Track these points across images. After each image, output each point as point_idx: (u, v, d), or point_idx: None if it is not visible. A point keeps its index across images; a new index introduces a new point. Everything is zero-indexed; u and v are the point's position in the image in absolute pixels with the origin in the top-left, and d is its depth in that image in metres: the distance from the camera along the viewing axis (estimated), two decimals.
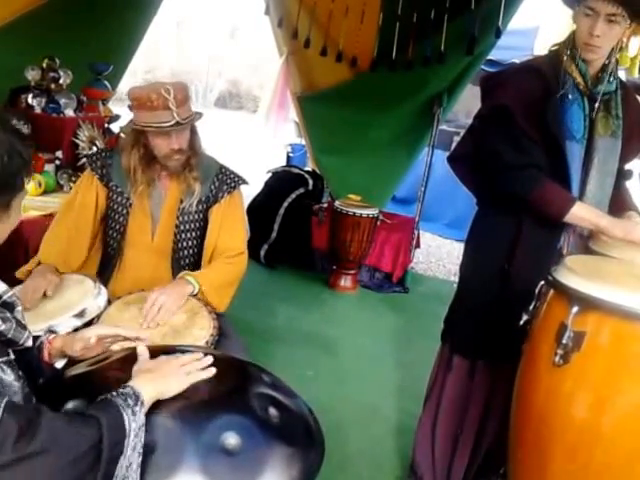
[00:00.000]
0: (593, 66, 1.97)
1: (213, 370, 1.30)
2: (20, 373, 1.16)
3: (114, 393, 1.12)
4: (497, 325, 2.06)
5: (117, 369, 1.40)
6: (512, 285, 2.06)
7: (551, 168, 1.96)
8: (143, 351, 1.35)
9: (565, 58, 1.97)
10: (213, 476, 1.13)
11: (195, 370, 1.29)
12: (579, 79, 1.96)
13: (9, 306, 1.17)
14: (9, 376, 1.10)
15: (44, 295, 2.02)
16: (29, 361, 1.36)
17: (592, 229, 1.97)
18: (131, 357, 1.44)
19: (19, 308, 1.20)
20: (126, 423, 1.08)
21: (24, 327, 1.18)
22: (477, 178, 2.22)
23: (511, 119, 1.96)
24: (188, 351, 1.47)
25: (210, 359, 1.34)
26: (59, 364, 1.47)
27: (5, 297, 1.18)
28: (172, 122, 2.12)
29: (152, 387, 1.19)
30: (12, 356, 1.17)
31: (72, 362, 1.49)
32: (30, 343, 1.19)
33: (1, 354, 1.12)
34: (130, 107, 2.22)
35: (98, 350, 1.52)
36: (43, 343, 1.44)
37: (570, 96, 1.94)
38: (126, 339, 1.57)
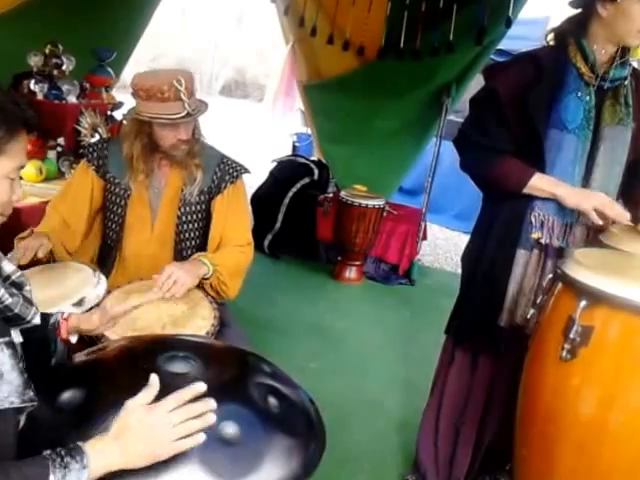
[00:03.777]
0: (606, 54, 1.95)
1: (212, 419, 1.11)
2: (21, 356, 1.14)
3: (57, 459, 1.00)
4: (498, 318, 2.07)
5: (116, 360, 1.42)
6: None
7: (530, 155, 1.99)
8: (153, 388, 1.12)
9: (571, 48, 1.97)
10: (211, 466, 1.11)
11: (188, 434, 1.10)
12: (584, 69, 1.95)
13: (18, 286, 1.17)
14: (8, 359, 1.08)
15: (38, 262, 2.02)
16: (42, 340, 1.39)
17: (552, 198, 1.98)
18: (131, 348, 1.46)
19: (27, 288, 1.20)
20: None
21: (31, 303, 1.17)
22: None
23: (496, 103, 2.00)
24: (188, 345, 1.45)
25: (204, 387, 1.13)
26: (73, 339, 1.50)
27: (14, 277, 1.18)
28: (183, 113, 2.08)
29: (115, 459, 1.05)
30: (15, 338, 1.15)
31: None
32: (38, 320, 1.18)
33: (2, 334, 1.09)
34: (133, 94, 2.17)
35: (115, 323, 1.60)
36: (59, 321, 1.46)
37: (569, 86, 1.95)
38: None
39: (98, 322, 1.53)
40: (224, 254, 2.24)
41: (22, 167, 1.19)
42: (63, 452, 1.02)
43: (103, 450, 1.05)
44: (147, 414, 1.09)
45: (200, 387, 1.12)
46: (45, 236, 2.10)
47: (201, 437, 1.08)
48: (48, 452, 1.02)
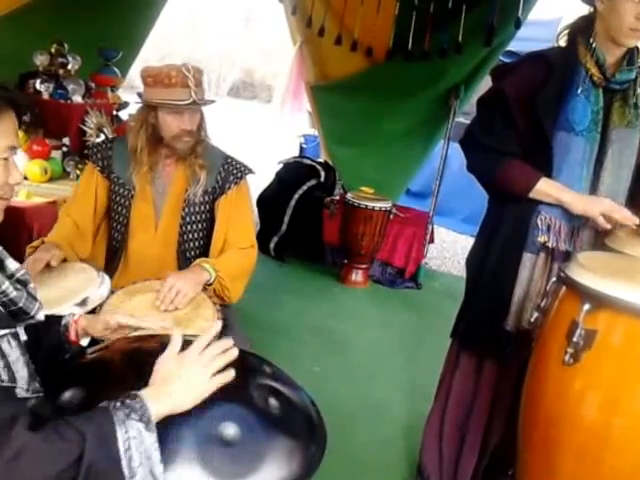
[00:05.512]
0: (614, 54, 1.93)
1: (235, 353, 1.22)
2: (25, 349, 1.16)
3: (118, 404, 1.04)
4: (504, 322, 2.05)
5: (117, 361, 1.40)
6: None
7: (537, 157, 1.97)
8: (177, 341, 1.20)
9: (580, 48, 1.95)
10: (211, 467, 1.11)
11: (219, 372, 1.19)
12: (593, 70, 1.93)
13: (22, 283, 1.20)
14: (15, 350, 1.10)
15: (48, 266, 2.00)
16: (54, 343, 1.42)
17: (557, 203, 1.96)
18: (132, 349, 1.44)
19: (31, 285, 1.23)
20: (119, 444, 0.99)
21: (35, 299, 1.20)
22: None
23: (503, 103, 1.98)
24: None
25: (231, 342, 1.25)
26: (84, 342, 1.51)
27: (18, 275, 1.21)
28: (189, 100, 2.10)
29: (165, 404, 1.10)
30: (21, 334, 1.16)
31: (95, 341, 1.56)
32: (41, 316, 1.20)
33: (8, 326, 1.11)
34: (139, 94, 2.19)
35: (118, 335, 1.55)
36: (69, 323, 1.47)
37: (578, 88, 1.92)
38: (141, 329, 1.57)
39: (101, 330, 1.53)
40: (226, 258, 2.23)
41: (14, 148, 1.18)
42: (115, 402, 1.05)
43: (156, 396, 1.09)
44: (182, 359, 1.16)
45: (214, 329, 1.23)
46: (55, 246, 2.10)
47: (231, 373, 1.17)
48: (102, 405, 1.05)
